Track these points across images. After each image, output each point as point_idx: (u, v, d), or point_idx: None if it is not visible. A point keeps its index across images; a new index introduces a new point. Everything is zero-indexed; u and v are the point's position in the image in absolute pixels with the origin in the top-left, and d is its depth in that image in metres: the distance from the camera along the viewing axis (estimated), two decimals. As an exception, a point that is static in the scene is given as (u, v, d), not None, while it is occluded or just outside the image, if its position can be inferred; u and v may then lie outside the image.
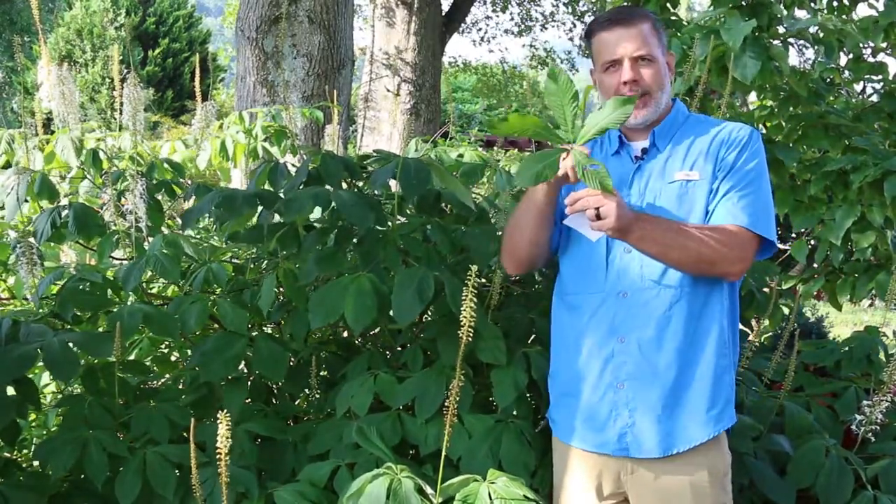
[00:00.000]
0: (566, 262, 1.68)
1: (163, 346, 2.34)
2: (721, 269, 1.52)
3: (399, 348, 2.10)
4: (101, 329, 2.02)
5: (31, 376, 1.91)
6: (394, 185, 1.93)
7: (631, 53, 1.57)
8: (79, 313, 1.94)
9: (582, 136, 1.41)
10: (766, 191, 1.57)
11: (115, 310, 1.84)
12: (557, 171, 1.44)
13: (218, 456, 1.32)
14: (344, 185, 2.06)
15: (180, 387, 2.12)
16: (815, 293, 3.22)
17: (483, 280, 2.03)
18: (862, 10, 3.13)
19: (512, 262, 1.72)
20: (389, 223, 1.97)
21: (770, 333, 2.92)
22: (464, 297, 1.38)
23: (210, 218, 2.56)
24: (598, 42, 1.61)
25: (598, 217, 1.41)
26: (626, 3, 3.08)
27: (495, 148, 3.13)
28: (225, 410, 1.32)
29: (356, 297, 1.72)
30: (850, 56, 2.93)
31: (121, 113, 2.32)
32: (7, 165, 2.47)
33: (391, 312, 1.75)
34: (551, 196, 1.57)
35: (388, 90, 7.28)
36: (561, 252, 1.70)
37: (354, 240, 1.95)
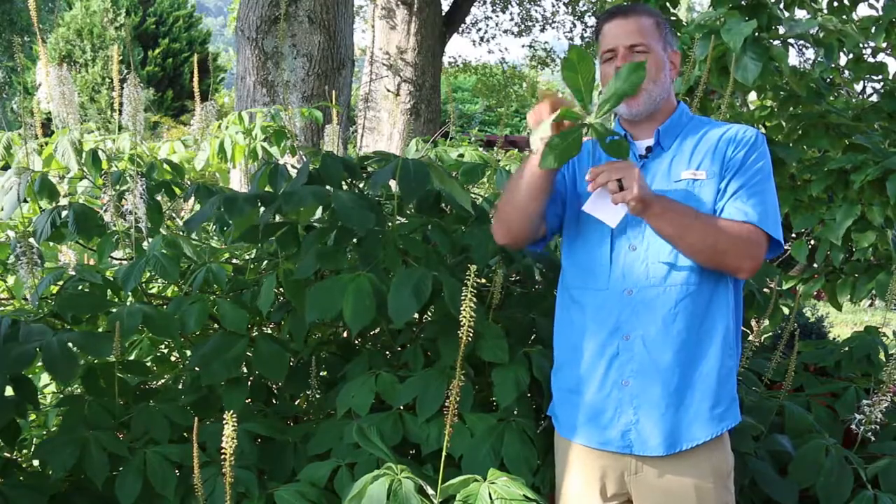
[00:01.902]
0: (570, 259, 1.68)
1: (163, 346, 2.34)
2: (733, 263, 1.51)
3: (399, 348, 2.10)
4: (100, 329, 2.02)
5: (30, 376, 1.91)
6: (394, 185, 1.93)
7: (625, 43, 1.59)
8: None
9: (601, 107, 1.42)
10: (773, 192, 1.57)
11: (114, 310, 1.84)
12: (580, 148, 1.43)
13: (222, 456, 1.32)
14: (344, 186, 2.06)
15: (180, 387, 2.12)
16: (815, 293, 3.22)
17: (483, 280, 2.03)
18: (862, 11, 3.13)
19: (501, 231, 1.69)
20: (389, 223, 1.97)
21: (770, 333, 2.92)
22: (463, 297, 1.38)
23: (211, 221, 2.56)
24: (600, 34, 1.65)
25: (621, 188, 1.41)
26: (625, 3, 3.08)
27: (495, 148, 3.13)
28: (231, 411, 1.32)
29: (355, 297, 1.72)
30: (850, 56, 2.93)
31: (121, 113, 2.32)
32: (6, 168, 2.47)
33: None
34: (548, 179, 1.55)
35: (388, 90, 7.28)
36: (565, 249, 1.70)
37: (354, 240, 1.95)
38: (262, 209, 1.98)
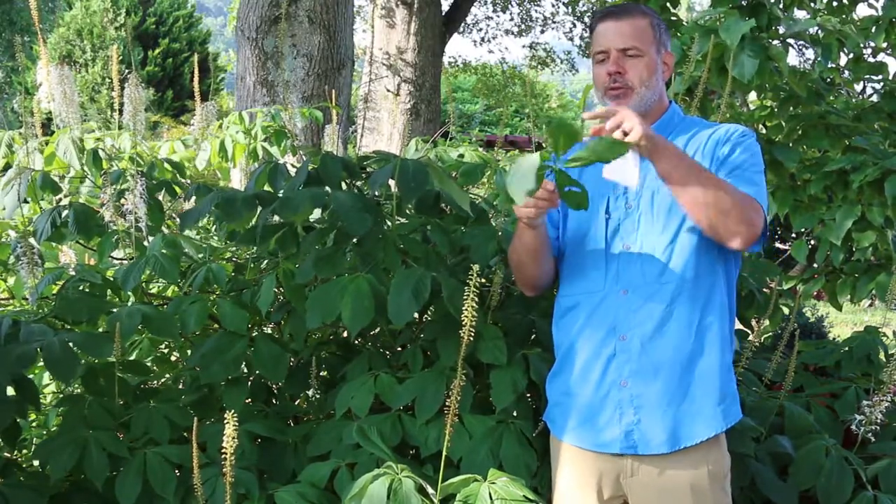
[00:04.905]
0: (566, 262, 1.68)
1: (163, 346, 2.34)
2: (733, 226, 1.46)
3: (399, 349, 2.10)
4: (100, 329, 2.02)
5: (31, 377, 1.91)
6: (394, 185, 1.93)
7: (617, 45, 1.59)
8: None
9: (571, 160, 1.38)
10: (763, 183, 1.57)
11: (114, 310, 1.84)
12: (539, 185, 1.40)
13: (223, 456, 1.32)
14: (343, 186, 2.06)
15: (180, 387, 2.12)
16: (815, 293, 3.22)
17: (483, 280, 2.03)
18: (862, 11, 3.14)
19: (529, 290, 1.77)
20: (389, 224, 1.97)
21: (770, 333, 2.93)
22: (465, 297, 1.38)
23: (210, 217, 2.56)
24: (594, 34, 1.65)
25: (625, 134, 1.37)
26: (623, 2, 3.08)
27: (495, 148, 3.13)
28: (232, 411, 1.32)
29: (354, 299, 1.72)
30: (850, 56, 2.94)
31: (121, 113, 2.32)
32: (7, 167, 2.47)
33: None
34: (539, 232, 1.59)
35: (388, 90, 7.28)
36: (561, 253, 1.70)
37: (354, 240, 1.94)
38: (260, 209, 1.97)
